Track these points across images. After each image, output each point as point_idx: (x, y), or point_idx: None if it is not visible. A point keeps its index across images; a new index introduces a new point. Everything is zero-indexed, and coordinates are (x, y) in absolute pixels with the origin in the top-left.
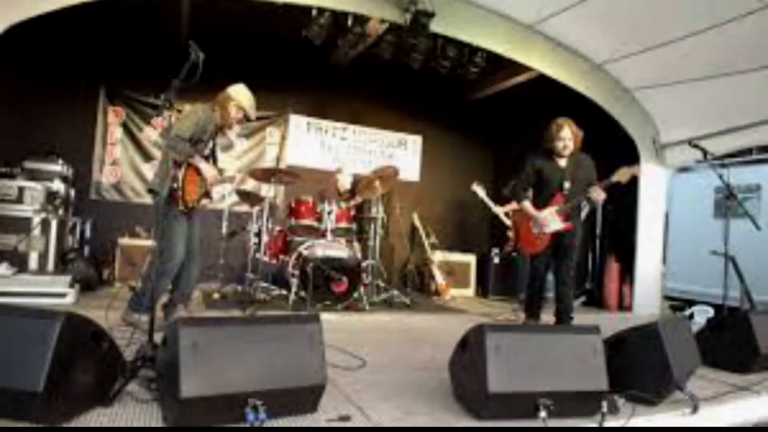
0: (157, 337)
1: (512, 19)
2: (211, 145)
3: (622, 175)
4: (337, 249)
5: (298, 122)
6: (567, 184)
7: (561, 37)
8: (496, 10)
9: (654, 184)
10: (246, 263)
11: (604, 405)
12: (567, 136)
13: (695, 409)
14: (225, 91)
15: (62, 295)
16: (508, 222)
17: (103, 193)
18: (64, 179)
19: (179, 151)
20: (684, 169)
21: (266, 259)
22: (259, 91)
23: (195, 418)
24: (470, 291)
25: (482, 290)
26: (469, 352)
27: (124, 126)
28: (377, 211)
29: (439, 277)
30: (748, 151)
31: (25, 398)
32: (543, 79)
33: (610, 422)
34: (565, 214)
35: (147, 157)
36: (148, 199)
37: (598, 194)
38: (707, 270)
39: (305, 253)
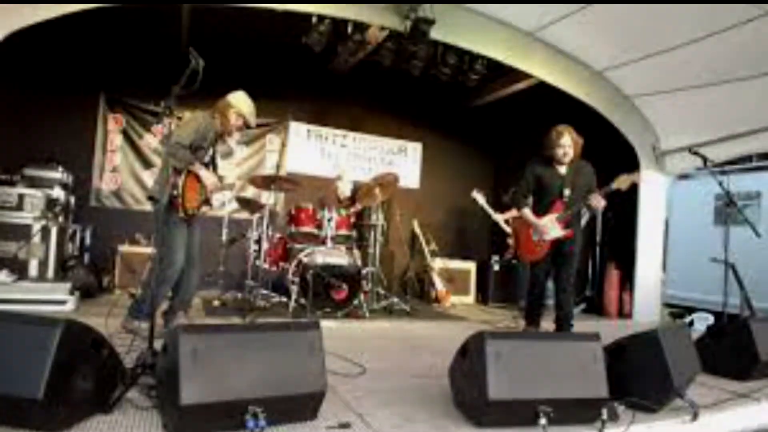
0: (157, 344)
1: (512, 26)
2: (211, 152)
3: (621, 182)
4: (337, 256)
5: (298, 129)
6: (567, 192)
7: (561, 44)
8: (497, 18)
9: (654, 192)
10: (246, 270)
11: (604, 412)
12: (567, 143)
13: (695, 417)
14: (225, 99)
15: (62, 303)
16: (508, 229)
17: (103, 200)
18: (64, 186)
19: (179, 158)
20: (684, 176)
21: (266, 266)
22: (259, 98)
23: (195, 425)
24: (470, 298)
25: (482, 297)
26: (469, 360)
27: (124, 133)
28: (377, 219)
29: (439, 285)
30: (748, 158)
31: (25, 405)
32: (543, 87)
33: (610, 429)
34: (565, 222)
35: (147, 164)
36: (148, 206)
37: (598, 201)
38: (707, 277)
39: (305, 260)
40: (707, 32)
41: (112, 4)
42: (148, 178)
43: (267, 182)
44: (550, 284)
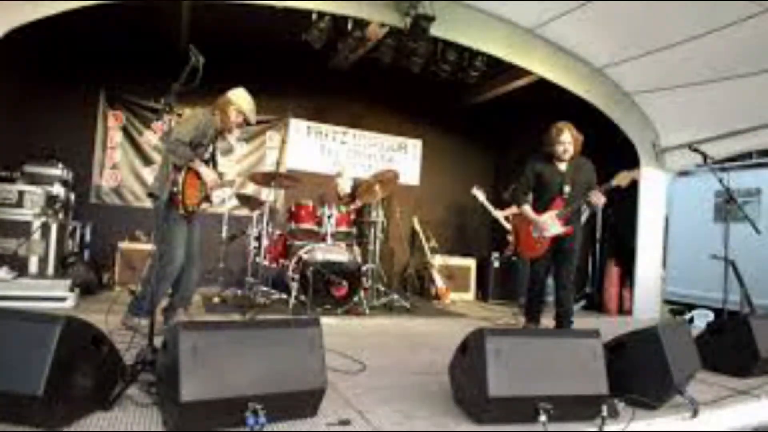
0: (157, 341)
1: (512, 23)
2: (211, 149)
3: (622, 179)
4: (337, 253)
5: (298, 126)
6: (567, 188)
7: (561, 41)
8: (497, 14)
9: (654, 188)
10: (246, 267)
11: (604, 409)
12: (567, 140)
13: (695, 413)
14: (225, 95)
15: (62, 299)
16: (508, 226)
17: (103, 197)
18: (64, 183)
19: (179, 155)
20: (684, 173)
21: (266, 263)
22: (259, 95)
23: (195, 422)
24: (470, 295)
25: (482, 294)
26: (469, 356)
27: (124, 130)
28: (377, 215)
29: (439, 281)
30: (748, 155)
31: (25, 402)
32: (543, 83)
33: (610, 426)
34: (565, 218)
35: (147, 161)
36: (148, 203)
37: (598, 198)
38: (707, 274)
39: (305, 257)
40: (707, 29)
41: (112, 1)
42: (148, 175)
43: (267, 179)
44: (550, 281)
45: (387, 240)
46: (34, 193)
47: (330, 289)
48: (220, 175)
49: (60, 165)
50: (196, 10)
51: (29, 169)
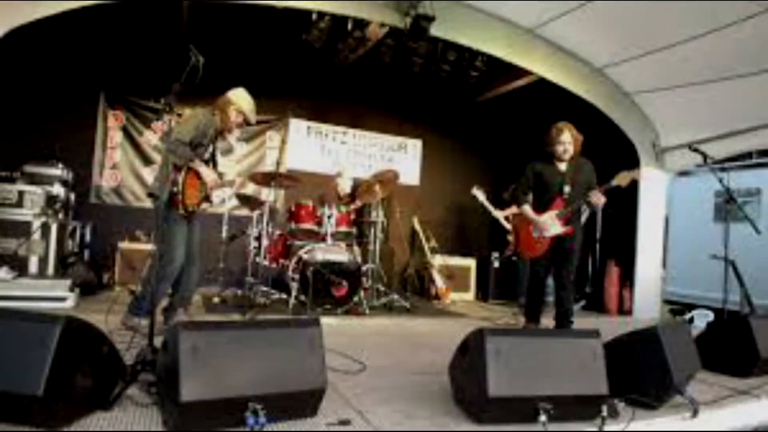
0: (157, 341)
1: (512, 23)
2: (211, 149)
3: (622, 179)
4: (337, 253)
5: (298, 126)
6: (567, 188)
7: (561, 41)
8: (497, 14)
9: (654, 188)
10: (246, 267)
11: (604, 409)
12: (567, 140)
13: (695, 414)
14: (225, 95)
15: (62, 299)
16: (508, 226)
17: (103, 197)
18: (64, 183)
19: (179, 155)
20: (684, 173)
21: (266, 263)
22: (260, 95)
23: (195, 422)
24: (470, 295)
25: (482, 294)
26: (469, 356)
27: (124, 130)
28: (377, 215)
29: (439, 281)
30: (748, 155)
31: (26, 402)
32: (543, 83)
33: (610, 426)
34: (565, 218)
35: (147, 161)
36: (148, 203)
37: (598, 198)
38: (707, 274)
39: (305, 257)
40: (707, 29)
41: (112, 1)
42: (148, 175)
43: (267, 179)
44: (550, 281)
45: (387, 240)
46: (34, 193)
47: (330, 289)
48: (220, 175)
49: (60, 165)
50: (196, 9)
51: (29, 169)
